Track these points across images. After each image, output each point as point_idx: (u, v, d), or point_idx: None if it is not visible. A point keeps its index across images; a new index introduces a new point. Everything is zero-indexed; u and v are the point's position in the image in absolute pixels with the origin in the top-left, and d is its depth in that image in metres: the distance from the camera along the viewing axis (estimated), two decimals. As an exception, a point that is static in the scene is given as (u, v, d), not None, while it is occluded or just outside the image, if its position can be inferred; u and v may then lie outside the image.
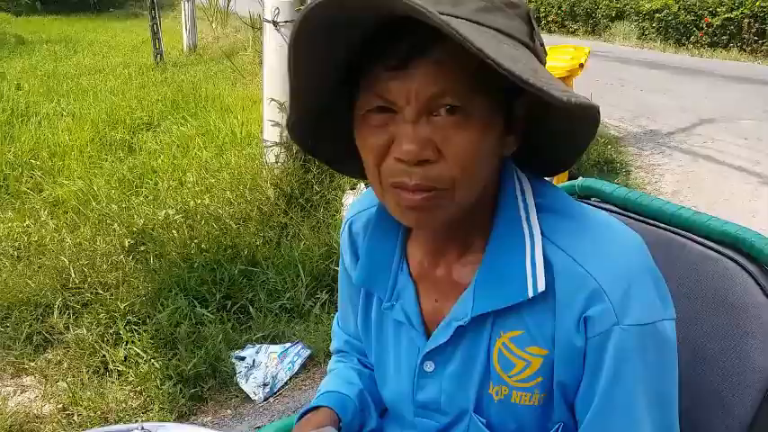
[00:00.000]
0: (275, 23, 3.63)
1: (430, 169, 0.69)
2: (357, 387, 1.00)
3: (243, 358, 2.71)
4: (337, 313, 1.12)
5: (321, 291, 3.10)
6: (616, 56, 10.68)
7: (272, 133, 3.87)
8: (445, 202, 0.72)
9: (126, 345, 2.70)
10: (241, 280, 3.10)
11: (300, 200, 3.67)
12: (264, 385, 2.59)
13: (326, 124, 0.81)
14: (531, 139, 0.79)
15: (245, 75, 8.01)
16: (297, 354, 2.75)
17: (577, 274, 0.73)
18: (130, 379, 2.55)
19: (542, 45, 0.73)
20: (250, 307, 2.99)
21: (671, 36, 12.04)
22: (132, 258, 3.20)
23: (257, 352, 2.74)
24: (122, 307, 2.82)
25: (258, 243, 3.36)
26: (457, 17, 0.63)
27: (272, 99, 3.77)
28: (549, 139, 0.80)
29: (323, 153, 0.88)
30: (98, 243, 3.27)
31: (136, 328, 2.77)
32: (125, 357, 2.65)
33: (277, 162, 3.82)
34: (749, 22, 10.97)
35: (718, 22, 11.23)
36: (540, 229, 0.77)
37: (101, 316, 2.81)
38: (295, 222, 3.53)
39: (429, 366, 0.85)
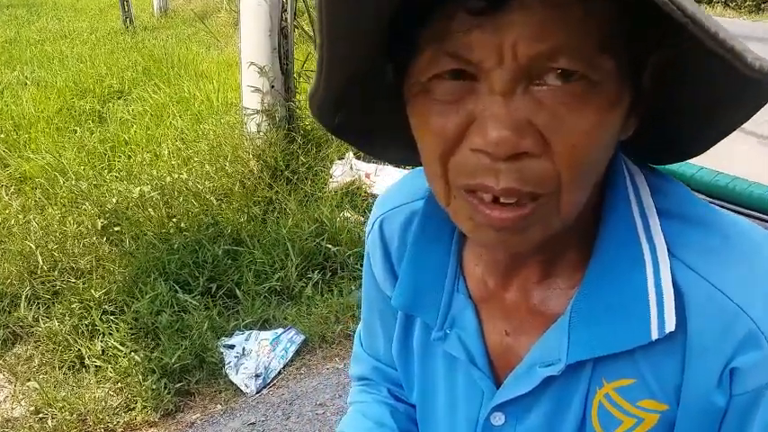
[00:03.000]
0: (253, -20, 3.34)
1: (528, 166, 0.46)
2: (390, 431, 0.80)
3: (232, 347, 2.51)
4: (358, 330, 0.90)
5: (312, 270, 2.89)
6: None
7: (251, 100, 3.60)
8: (546, 215, 0.49)
9: (103, 337, 2.48)
10: (225, 261, 2.88)
11: (286, 172, 3.43)
12: (257, 376, 2.40)
13: (356, 91, 0.55)
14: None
15: (220, 38, 7.64)
16: (290, 340, 2.56)
17: (724, 309, 0.51)
18: (109, 375, 2.34)
19: None
20: (237, 290, 2.77)
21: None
22: (106, 240, 2.96)
23: (247, 339, 2.54)
24: (97, 295, 2.60)
25: (242, 220, 3.13)
26: None
27: (252, 63, 3.49)
28: (675, 116, 0.56)
29: (351, 133, 0.63)
30: (68, 224, 3.02)
31: (113, 318, 2.55)
32: (102, 351, 2.44)
33: (259, 131, 3.56)
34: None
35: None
36: (666, 244, 0.55)
37: (73, 306, 2.58)
38: (281, 197, 3.30)
39: (498, 419, 0.64)
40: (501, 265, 0.63)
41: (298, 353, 2.54)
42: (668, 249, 0.54)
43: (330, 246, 2.95)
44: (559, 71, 0.44)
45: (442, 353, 0.69)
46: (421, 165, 0.64)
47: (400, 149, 0.65)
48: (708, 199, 0.91)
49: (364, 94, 0.56)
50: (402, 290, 0.69)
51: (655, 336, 0.53)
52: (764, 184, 0.90)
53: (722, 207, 0.89)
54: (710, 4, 11.70)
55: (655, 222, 0.56)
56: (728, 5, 11.22)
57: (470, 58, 0.45)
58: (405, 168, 3.43)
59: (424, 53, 0.47)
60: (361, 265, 2.90)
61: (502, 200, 0.48)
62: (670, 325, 0.52)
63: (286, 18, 3.47)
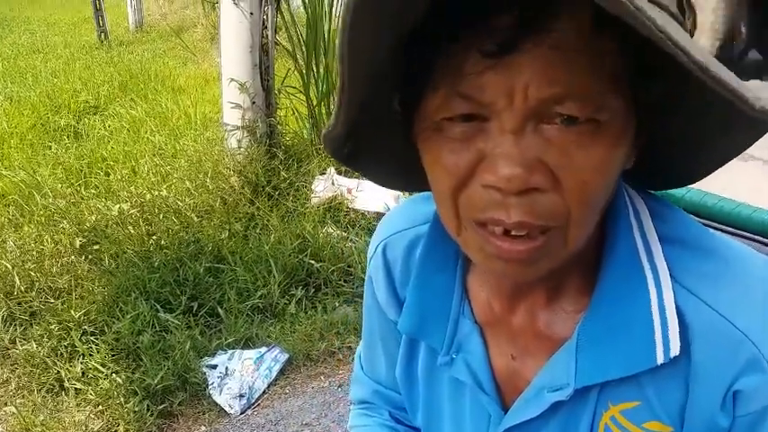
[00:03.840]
0: (233, -3, 3.33)
1: (538, 200, 0.47)
2: None
3: (215, 366, 2.48)
4: (358, 353, 0.90)
5: (295, 287, 2.87)
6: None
7: (232, 116, 3.58)
8: (555, 247, 0.50)
9: (83, 358, 2.43)
10: (207, 279, 2.84)
11: (267, 188, 3.40)
12: (241, 396, 2.37)
13: (366, 121, 0.55)
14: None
15: (196, 53, 7.61)
16: (274, 359, 2.53)
17: (727, 334, 0.53)
18: (90, 397, 2.28)
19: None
20: (219, 308, 2.74)
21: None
22: (85, 259, 2.90)
23: (230, 359, 2.51)
24: (76, 316, 2.54)
25: (223, 237, 3.10)
26: None
27: (232, 79, 3.47)
28: (669, 144, 0.57)
29: (359, 161, 0.62)
30: (45, 243, 2.96)
31: (93, 339, 2.50)
32: (82, 373, 2.38)
33: (240, 147, 3.54)
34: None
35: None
36: (667, 269, 0.56)
37: (52, 327, 2.52)
38: (263, 213, 3.28)
39: None
40: (507, 290, 0.64)
41: (282, 372, 2.51)
42: (670, 274, 0.55)
43: (313, 262, 2.93)
44: (566, 117, 0.45)
45: (448, 377, 0.69)
46: (425, 190, 0.64)
47: (405, 176, 0.65)
48: (696, 219, 0.93)
49: (372, 124, 0.57)
50: (408, 315, 0.69)
51: (660, 360, 0.54)
52: (751, 205, 0.91)
53: (709, 226, 0.91)
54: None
55: (656, 248, 0.57)
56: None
57: (482, 99, 0.46)
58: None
59: (437, 93, 0.48)
60: (345, 281, 2.89)
61: (513, 232, 0.49)
62: (675, 349, 0.53)
63: (267, 34, 3.47)
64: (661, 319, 0.54)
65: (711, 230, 0.61)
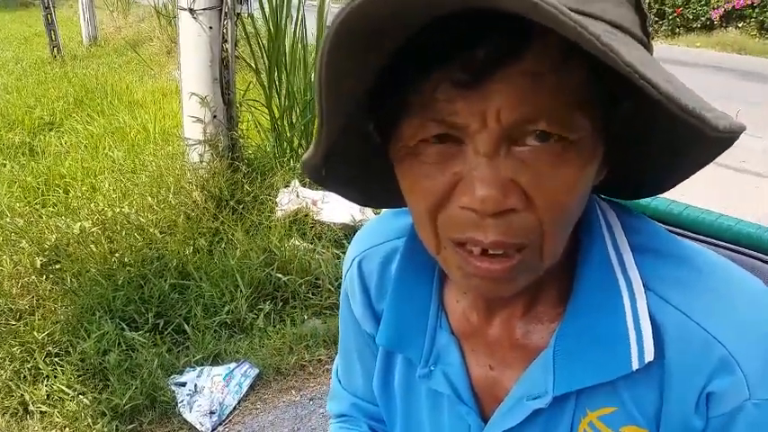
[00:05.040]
0: (192, 11, 3.32)
1: (513, 221, 0.49)
2: None
3: (183, 384, 2.45)
4: (336, 366, 0.91)
5: (263, 301, 2.86)
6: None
7: (193, 130, 3.56)
8: (531, 264, 0.53)
9: (47, 380, 2.38)
10: (172, 296, 2.81)
11: (231, 202, 3.39)
12: (211, 413, 2.35)
13: (341, 144, 0.57)
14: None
15: (153, 66, 7.52)
16: (243, 374, 2.52)
17: (698, 338, 0.55)
18: (56, 420, 2.24)
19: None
20: (185, 325, 2.71)
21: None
22: (46, 279, 2.84)
23: (198, 376, 2.49)
24: (39, 337, 2.49)
25: (188, 252, 3.06)
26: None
27: (193, 93, 3.46)
28: (636, 159, 0.60)
29: (336, 182, 0.64)
30: (4, 264, 2.89)
31: (58, 360, 2.45)
32: (48, 395, 2.33)
33: (201, 162, 3.52)
34: (649, 3, 11.54)
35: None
36: (640, 278, 0.58)
37: (14, 349, 2.46)
38: (227, 227, 3.26)
39: None
40: (483, 302, 0.66)
41: (252, 387, 2.50)
42: (643, 283, 0.58)
43: (280, 275, 2.93)
44: (538, 132, 0.48)
45: (426, 388, 0.70)
46: (402, 206, 0.67)
47: (385, 194, 0.67)
48: (663, 226, 0.98)
49: (347, 146, 0.59)
50: (386, 328, 0.70)
51: (635, 366, 0.56)
52: (714, 212, 0.95)
53: (675, 233, 0.95)
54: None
55: (629, 258, 0.59)
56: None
57: (456, 122, 0.48)
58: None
59: (411, 120, 0.50)
60: (313, 294, 2.88)
61: (490, 251, 0.51)
62: (649, 355, 0.55)
63: (227, 48, 3.46)
64: (635, 327, 0.56)
65: (680, 238, 0.64)
